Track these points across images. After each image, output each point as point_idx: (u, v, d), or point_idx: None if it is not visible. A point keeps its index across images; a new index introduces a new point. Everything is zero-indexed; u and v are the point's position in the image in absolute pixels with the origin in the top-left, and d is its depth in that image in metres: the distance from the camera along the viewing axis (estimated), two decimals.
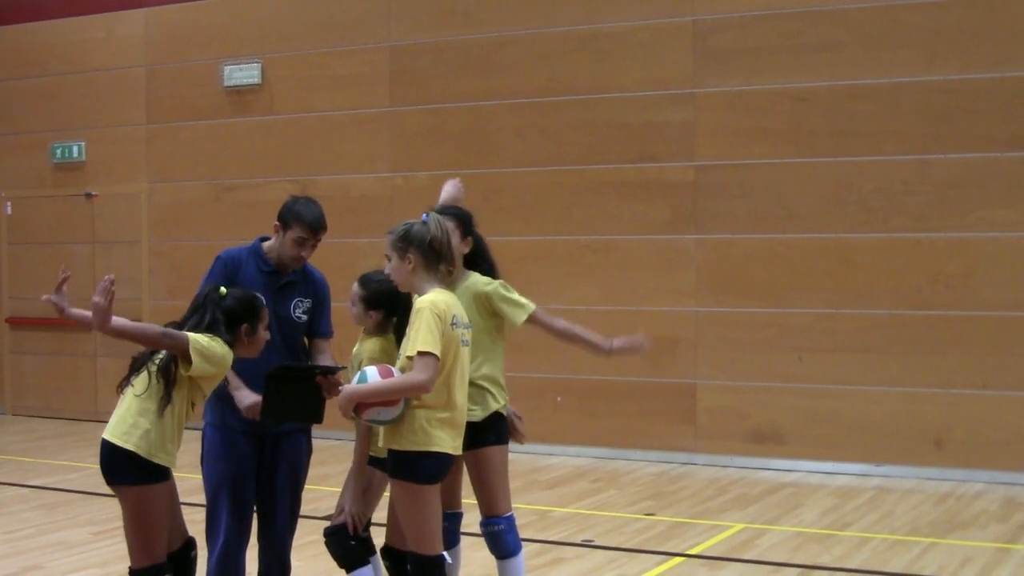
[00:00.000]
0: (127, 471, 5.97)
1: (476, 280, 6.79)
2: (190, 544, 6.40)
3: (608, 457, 12.95)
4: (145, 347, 6.06)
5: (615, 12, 13.07)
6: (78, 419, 16.21)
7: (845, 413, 12.14)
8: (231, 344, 6.10)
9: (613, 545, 9.35)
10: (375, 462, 6.66)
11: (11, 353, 17.05)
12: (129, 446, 5.94)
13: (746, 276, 12.53)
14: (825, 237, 12.21)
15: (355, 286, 6.85)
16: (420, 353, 5.80)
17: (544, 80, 13.41)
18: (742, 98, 12.53)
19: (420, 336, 5.81)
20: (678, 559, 8.99)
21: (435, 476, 5.98)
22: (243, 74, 15.09)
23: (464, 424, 6.12)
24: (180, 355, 5.95)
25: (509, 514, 6.94)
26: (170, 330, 5.98)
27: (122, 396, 6.12)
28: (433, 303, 5.90)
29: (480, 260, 6.95)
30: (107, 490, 11.58)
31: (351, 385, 5.95)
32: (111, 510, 10.77)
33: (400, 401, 5.87)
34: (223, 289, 6.20)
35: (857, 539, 9.52)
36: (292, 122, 14.84)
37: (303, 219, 6.76)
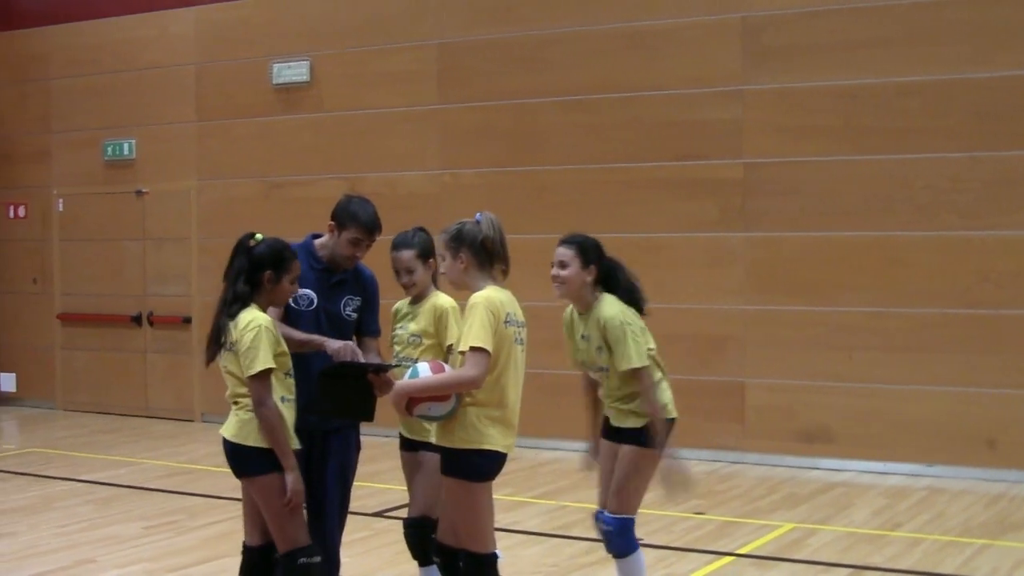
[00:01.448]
0: (254, 463, 6.18)
1: (608, 307, 6.87)
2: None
3: None
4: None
5: (663, 9, 13.05)
6: (128, 414, 16.30)
7: (895, 413, 12.08)
8: (253, 293, 6.25)
9: (662, 544, 9.33)
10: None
11: (62, 349, 17.17)
12: (250, 442, 6.16)
13: (795, 274, 12.48)
14: (874, 235, 12.15)
15: (406, 253, 6.99)
16: (472, 348, 5.82)
17: (592, 77, 13.39)
18: (791, 95, 12.48)
19: (473, 331, 5.83)
20: (727, 558, 8.97)
21: (487, 473, 5.99)
22: (292, 72, 15.14)
23: (517, 423, 6.12)
24: (270, 377, 6.16)
25: (624, 516, 6.95)
26: (264, 411, 6.13)
27: (230, 400, 6.31)
28: (488, 299, 5.90)
29: (613, 287, 6.99)
30: (158, 485, 11.76)
31: (403, 380, 5.98)
32: (162, 505, 10.87)
33: (451, 397, 5.89)
34: (258, 236, 6.33)
35: (908, 540, 9.48)
36: (341, 119, 14.88)
37: (359, 220, 6.79)
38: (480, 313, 5.85)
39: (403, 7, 14.51)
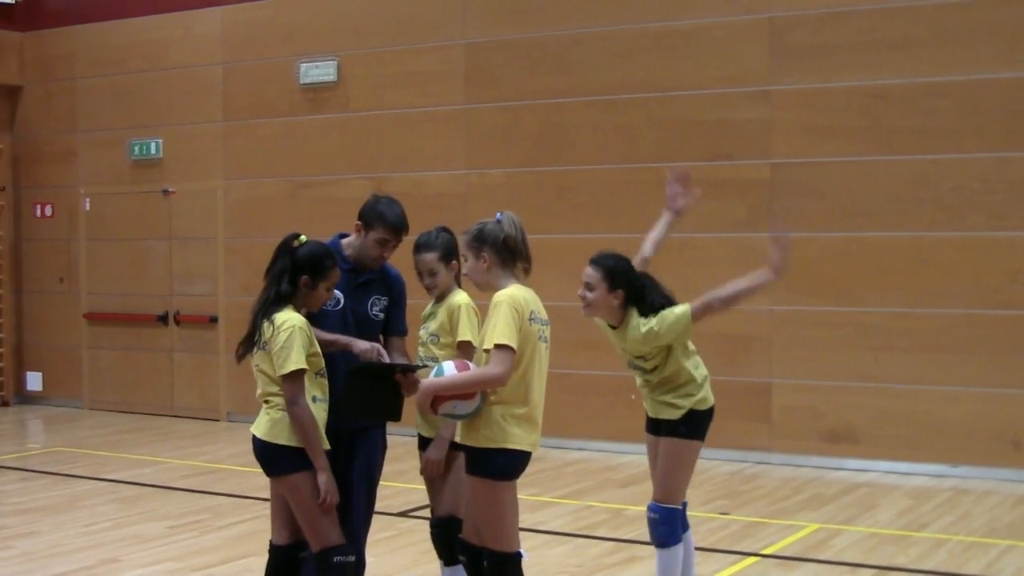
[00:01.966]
0: (284, 461, 6.23)
1: (636, 322, 6.90)
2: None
3: None
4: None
5: (691, 9, 13.03)
6: (154, 414, 16.34)
7: (921, 413, 12.04)
8: (291, 294, 6.32)
9: None
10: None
11: (88, 348, 17.22)
12: (282, 441, 6.21)
13: (822, 274, 12.45)
14: (902, 235, 12.12)
15: (429, 255, 7.02)
16: (497, 346, 5.82)
17: (619, 77, 13.38)
18: (818, 95, 12.45)
19: (497, 329, 5.83)
20: (752, 559, 8.96)
21: (511, 472, 5.99)
22: (319, 71, 15.16)
23: (540, 421, 6.12)
24: (302, 377, 6.21)
25: (670, 506, 7.00)
26: (296, 410, 6.18)
27: (261, 399, 6.36)
28: (511, 297, 5.91)
29: (642, 305, 6.98)
30: (183, 484, 11.78)
31: (428, 379, 5.98)
32: (187, 504, 10.89)
33: (476, 395, 5.89)
34: (303, 237, 6.39)
35: (933, 540, 9.45)
36: (367, 119, 14.89)
37: (386, 220, 6.79)
38: (504, 311, 5.86)
39: (430, 7, 14.51)
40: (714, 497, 11.12)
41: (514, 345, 5.83)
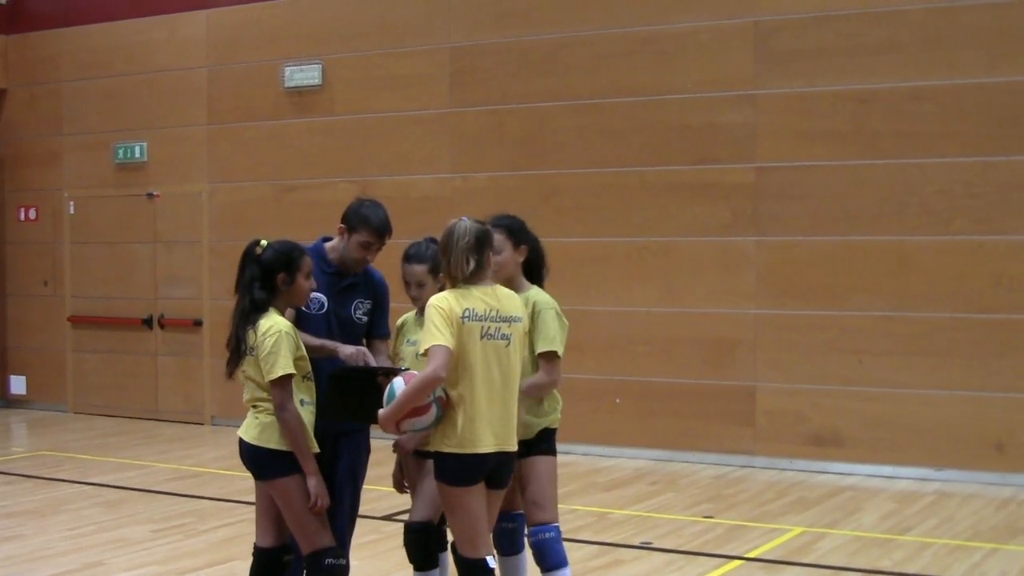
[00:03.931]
0: (274, 465, 6.24)
1: (543, 294, 6.88)
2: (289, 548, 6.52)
3: (666, 459, 12.91)
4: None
5: (676, 13, 13.03)
6: (139, 417, 16.30)
7: (905, 417, 12.06)
8: (270, 299, 6.30)
9: (671, 548, 9.32)
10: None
11: (73, 351, 17.17)
12: (271, 445, 6.22)
13: (806, 278, 12.46)
14: (886, 240, 12.13)
15: (418, 268, 6.94)
16: (428, 348, 5.84)
17: (604, 81, 13.37)
18: (803, 99, 12.46)
19: (428, 333, 5.86)
20: (736, 562, 8.95)
21: (464, 478, 5.95)
22: (304, 75, 15.14)
23: (504, 423, 6.04)
24: (290, 382, 6.21)
25: (557, 524, 6.86)
26: (285, 415, 6.18)
27: (249, 404, 6.36)
28: (438, 299, 5.96)
29: (535, 265, 7.03)
30: (167, 488, 11.75)
31: (383, 412, 5.98)
32: (171, 508, 10.87)
33: (431, 408, 5.88)
34: (263, 242, 6.36)
35: (917, 544, 9.46)
36: (352, 123, 14.87)
37: (370, 223, 6.78)
38: (431, 314, 5.88)
39: (415, 10, 14.50)
40: (699, 500, 11.12)
41: (444, 343, 5.81)
